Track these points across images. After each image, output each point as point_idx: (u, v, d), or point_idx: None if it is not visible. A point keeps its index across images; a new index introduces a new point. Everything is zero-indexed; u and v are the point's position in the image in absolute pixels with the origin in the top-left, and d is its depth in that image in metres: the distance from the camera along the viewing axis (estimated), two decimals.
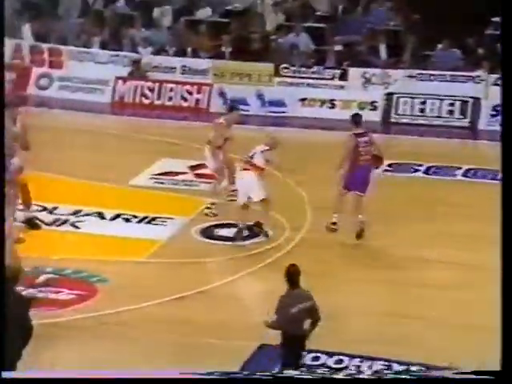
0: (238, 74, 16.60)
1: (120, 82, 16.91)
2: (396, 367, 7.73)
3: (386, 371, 7.53)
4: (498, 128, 15.44)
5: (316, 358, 7.83)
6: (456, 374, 5.80)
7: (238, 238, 10.53)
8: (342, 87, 16.22)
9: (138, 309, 8.90)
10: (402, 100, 15.95)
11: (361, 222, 10.59)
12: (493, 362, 5.52)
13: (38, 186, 10.79)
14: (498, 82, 15.64)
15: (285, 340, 7.18)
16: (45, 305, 8.78)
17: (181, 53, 17.17)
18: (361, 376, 7.04)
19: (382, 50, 16.56)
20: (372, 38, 16.63)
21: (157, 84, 16.78)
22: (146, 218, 11.21)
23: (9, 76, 15.35)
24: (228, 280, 9.66)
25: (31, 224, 10.64)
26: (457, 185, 12.79)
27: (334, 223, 10.70)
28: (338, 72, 16.30)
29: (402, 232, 10.85)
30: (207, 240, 10.69)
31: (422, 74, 16.03)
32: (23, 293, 7.68)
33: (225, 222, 11.02)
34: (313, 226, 10.96)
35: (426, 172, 13.25)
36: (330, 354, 7.91)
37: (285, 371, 6.80)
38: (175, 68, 16.92)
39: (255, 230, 10.71)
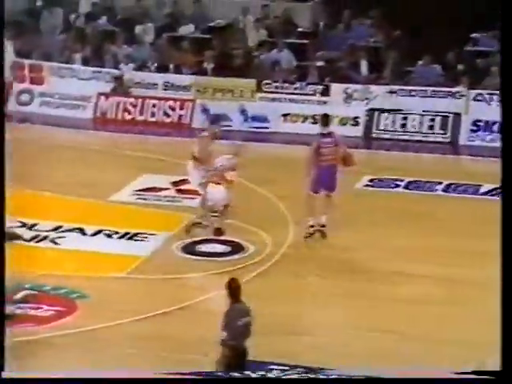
0: (221, 89, 16.65)
1: (102, 97, 16.91)
2: None
3: None
4: (478, 143, 15.60)
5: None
6: (456, 373, 5.80)
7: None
8: (324, 103, 16.29)
9: (119, 325, 8.86)
10: (383, 115, 16.04)
11: (322, 225, 10.78)
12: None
13: (18, 202, 10.74)
14: (479, 98, 15.79)
15: (232, 354, 7.18)
16: (23, 321, 8.73)
17: (163, 69, 17.20)
18: None
19: (363, 66, 16.66)
20: (353, 53, 16.74)
21: (139, 100, 16.80)
22: (128, 233, 11.19)
23: None
24: (209, 296, 9.64)
25: (11, 237, 10.57)
26: (438, 200, 12.86)
27: (312, 226, 10.77)
28: (319, 88, 16.38)
29: (382, 247, 10.88)
30: (189, 256, 10.69)
31: (403, 89, 16.13)
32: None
33: (206, 237, 11.02)
34: (295, 240, 10.98)
35: (407, 187, 13.31)
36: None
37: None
38: (157, 84, 16.94)
39: (237, 247, 10.74)
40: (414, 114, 15.88)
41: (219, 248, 10.85)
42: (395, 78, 16.43)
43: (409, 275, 10.13)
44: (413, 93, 16.08)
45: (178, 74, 17.06)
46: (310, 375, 6.84)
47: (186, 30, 17.85)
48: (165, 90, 16.86)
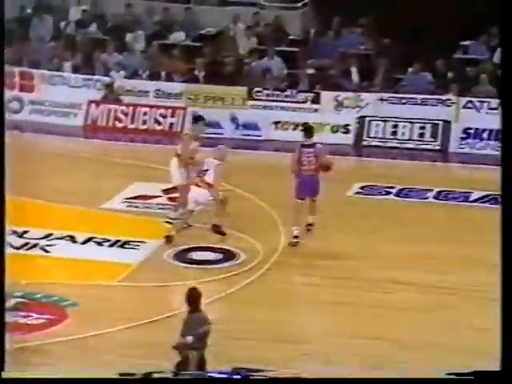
0: (212, 97, 16.66)
1: (93, 105, 16.90)
2: None
3: None
4: (468, 151, 15.66)
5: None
6: (456, 374, 5.80)
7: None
8: (315, 110, 16.34)
9: (110, 333, 8.83)
10: (373, 123, 16.09)
11: (311, 224, 11.05)
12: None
13: (8, 210, 10.69)
14: (469, 105, 15.86)
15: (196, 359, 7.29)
16: (14, 329, 8.68)
17: (154, 76, 17.21)
18: None
19: (354, 74, 16.72)
20: (344, 61, 16.80)
21: (130, 108, 16.79)
22: (119, 241, 11.16)
23: None
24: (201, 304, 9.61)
25: None
26: (428, 207, 12.89)
27: (296, 236, 10.87)
28: (310, 95, 16.42)
29: (373, 254, 10.89)
30: (180, 264, 10.67)
31: (394, 97, 16.19)
32: None
33: (198, 245, 11.01)
34: (286, 247, 10.98)
35: (398, 194, 13.35)
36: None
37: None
38: (149, 92, 16.94)
39: (228, 254, 10.74)
40: (405, 121, 15.94)
41: (211, 256, 10.84)
42: (386, 85, 16.49)
43: (400, 282, 10.14)
44: (403, 100, 16.14)
45: (169, 81, 17.07)
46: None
47: (177, 37, 17.87)
48: (156, 97, 16.87)
